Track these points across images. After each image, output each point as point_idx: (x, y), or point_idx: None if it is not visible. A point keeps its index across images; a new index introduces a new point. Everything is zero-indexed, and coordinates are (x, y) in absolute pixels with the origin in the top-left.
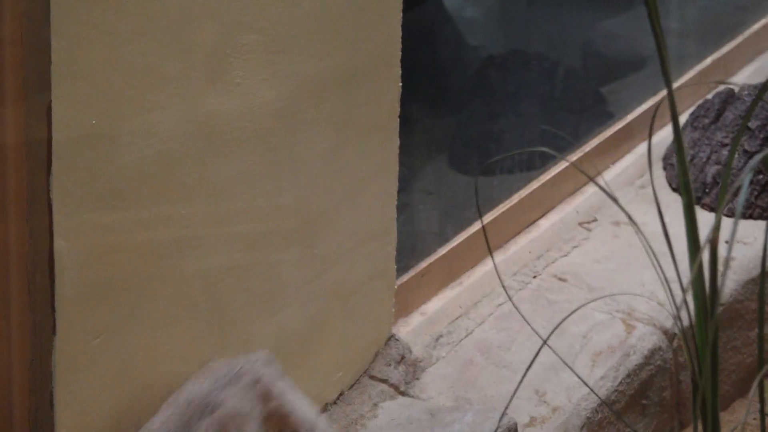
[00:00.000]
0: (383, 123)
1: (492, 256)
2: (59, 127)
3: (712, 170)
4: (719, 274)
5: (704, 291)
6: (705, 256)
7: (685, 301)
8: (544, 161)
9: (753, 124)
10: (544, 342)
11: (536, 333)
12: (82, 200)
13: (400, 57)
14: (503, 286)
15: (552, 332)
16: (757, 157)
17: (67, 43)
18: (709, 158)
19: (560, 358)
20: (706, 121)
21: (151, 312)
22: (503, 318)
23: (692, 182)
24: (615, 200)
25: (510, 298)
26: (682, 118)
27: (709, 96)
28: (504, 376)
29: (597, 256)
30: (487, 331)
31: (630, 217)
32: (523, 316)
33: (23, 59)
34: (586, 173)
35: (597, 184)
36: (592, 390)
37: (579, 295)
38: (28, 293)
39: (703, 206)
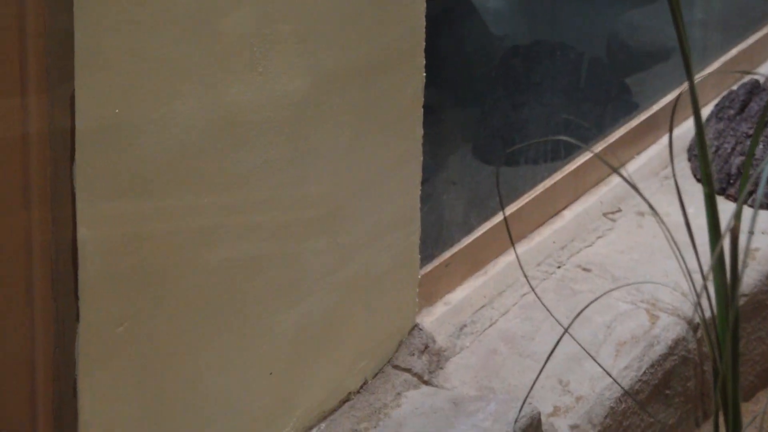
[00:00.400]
0: (407, 113)
1: (514, 247)
2: (82, 117)
3: (736, 161)
4: (740, 261)
5: (725, 279)
6: (726, 245)
7: (705, 289)
8: (569, 151)
9: None
10: (566, 330)
11: (558, 322)
12: (105, 189)
13: (424, 47)
14: (525, 277)
15: (573, 321)
16: None
17: (89, 33)
18: (733, 149)
19: (582, 348)
20: (731, 112)
21: (174, 301)
22: (527, 308)
23: (717, 173)
24: (637, 190)
25: (533, 289)
26: (708, 109)
27: (735, 87)
28: (527, 365)
29: (621, 246)
30: (510, 321)
31: (652, 207)
32: (545, 306)
33: (46, 49)
34: (609, 164)
35: (620, 175)
36: (614, 380)
37: (603, 285)
38: (51, 281)
39: (728, 197)
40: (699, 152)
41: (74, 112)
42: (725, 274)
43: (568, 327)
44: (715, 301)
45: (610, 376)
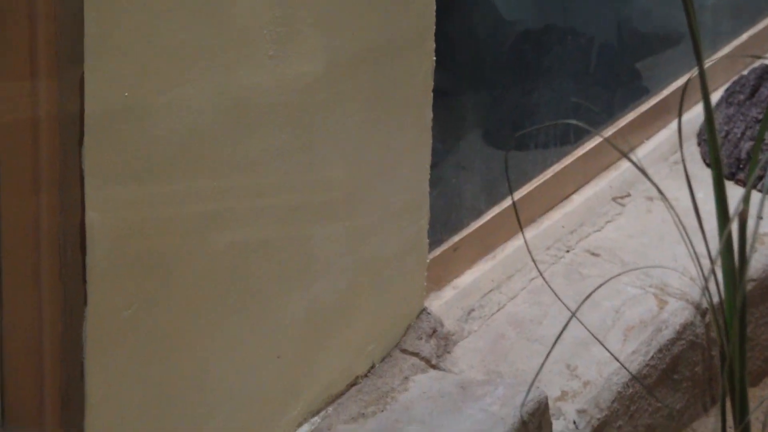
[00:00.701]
0: (417, 97)
1: (522, 232)
2: (92, 101)
3: (746, 146)
4: (748, 246)
5: (733, 264)
6: (734, 229)
7: (713, 273)
8: (578, 136)
9: None
10: (573, 314)
11: (566, 306)
12: (114, 173)
13: (434, 31)
14: (534, 261)
15: (581, 305)
16: None
17: (100, 17)
18: (743, 134)
19: (589, 332)
20: (741, 96)
21: (182, 285)
22: (536, 292)
23: (726, 158)
24: (646, 174)
25: (540, 273)
26: (718, 94)
27: (745, 72)
28: (535, 350)
29: (630, 231)
30: (519, 305)
31: (661, 192)
32: (553, 291)
33: (56, 32)
34: (619, 149)
35: (630, 160)
36: (622, 364)
37: (612, 269)
38: (59, 265)
39: (737, 182)
40: (708, 137)
41: (83, 96)
42: (733, 259)
43: (576, 311)
44: (723, 285)
45: (618, 360)
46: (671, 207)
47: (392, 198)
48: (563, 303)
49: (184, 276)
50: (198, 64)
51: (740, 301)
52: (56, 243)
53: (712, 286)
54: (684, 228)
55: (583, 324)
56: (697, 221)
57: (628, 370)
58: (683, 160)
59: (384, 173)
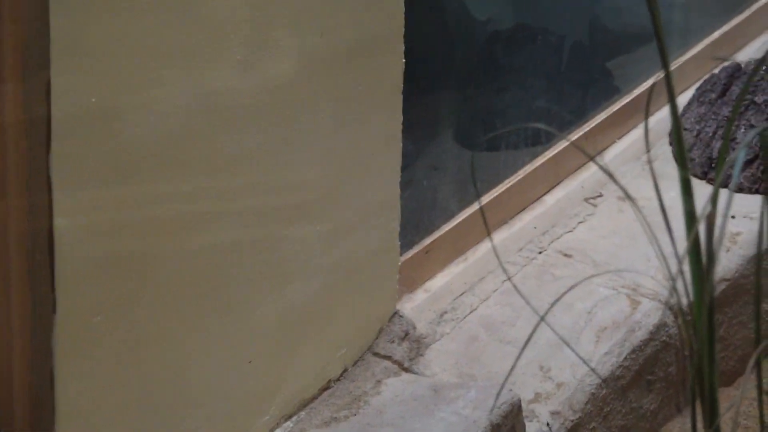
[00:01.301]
0: (387, 98)
1: (491, 237)
2: (59, 105)
3: (718, 145)
4: (715, 245)
5: (701, 263)
6: (702, 229)
7: (681, 273)
8: (550, 137)
9: (759, 98)
10: (542, 318)
11: (534, 310)
12: (83, 177)
13: (403, 32)
14: (502, 266)
15: (550, 309)
16: (755, 131)
17: (66, 20)
18: (715, 133)
19: (559, 336)
20: (713, 95)
21: (154, 289)
22: (508, 294)
23: (698, 157)
24: (613, 178)
25: (509, 277)
26: (689, 93)
27: (716, 70)
28: (508, 352)
29: (602, 231)
30: (491, 308)
31: (627, 194)
32: (522, 295)
33: (22, 37)
34: (586, 152)
35: (596, 163)
36: (592, 369)
37: (584, 270)
38: (27, 271)
39: (710, 181)
40: (675, 137)
41: (50, 100)
42: (701, 259)
43: (545, 314)
44: (691, 284)
45: (587, 364)
46: (638, 208)
47: (363, 199)
48: (532, 307)
49: (156, 280)
50: (167, 65)
51: (708, 301)
52: (24, 249)
53: (681, 286)
54: (651, 229)
55: (552, 329)
56: (664, 222)
57: (597, 374)
58: (650, 161)
59: (355, 175)
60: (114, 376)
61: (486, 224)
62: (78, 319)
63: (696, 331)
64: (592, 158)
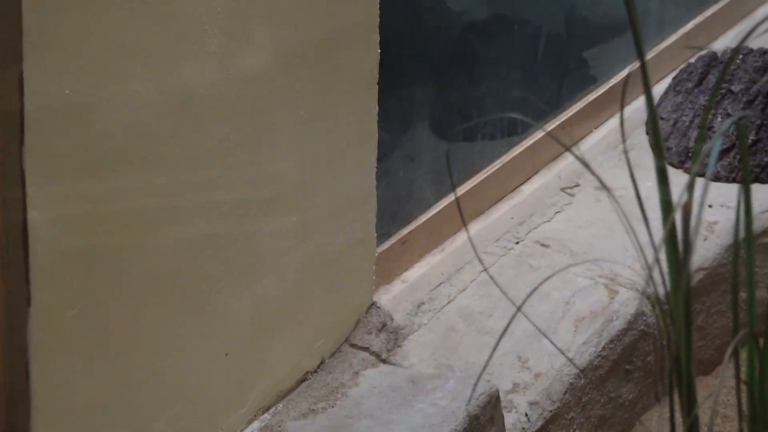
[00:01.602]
0: (362, 90)
1: (466, 228)
2: (32, 98)
3: (694, 134)
4: (691, 230)
5: (677, 252)
6: (678, 218)
7: (657, 262)
8: (526, 127)
9: (736, 87)
10: (518, 309)
11: (511, 301)
12: (56, 171)
13: (378, 23)
14: (478, 257)
15: (526, 299)
16: (731, 120)
17: (38, 14)
18: (692, 122)
19: (535, 326)
20: (689, 84)
21: (128, 283)
22: (485, 284)
23: (675, 146)
24: (589, 168)
25: (485, 268)
26: (666, 82)
27: (692, 59)
28: (486, 342)
29: (580, 221)
30: (469, 298)
31: (603, 184)
32: (498, 286)
33: None
34: (562, 142)
35: (573, 153)
36: (569, 359)
37: (561, 260)
38: (1, 264)
39: (686, 170)
40: (650, 126)
41: (23, 94)
42: (677, 248)
43: (521, 305)
44: (668, 274)
45: (564, 355)
46: (614, 198)
47: (339, 191)
48: (509, 298)
49: (130, 274)
50: (141, 58)
51: (685, 290)
52: None
53: (657, 275)
54: (627, 219)
55: (529, 319)
56: (641, 212)
57: (574, 365)
58: (626, 151)
59: (330, 166)
60: (90, 370)
61: (461, 215)
62: (53, 312)
63: (673, 320)
64: (568, 148)
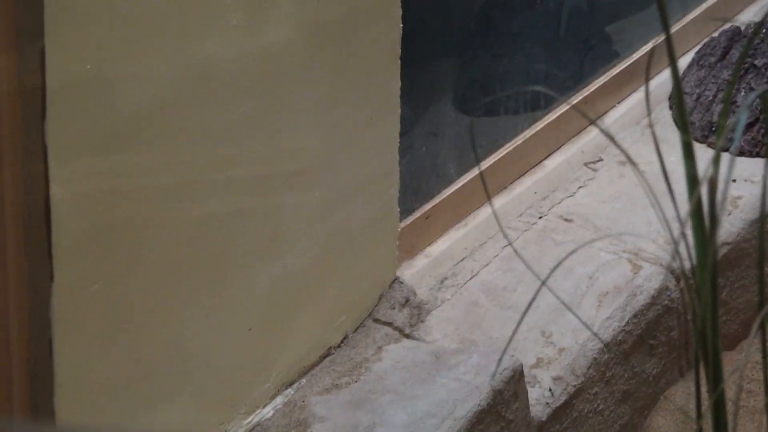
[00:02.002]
0: (384, 65)
1: (491, 202)
2: (53, 74)
3: (718, 108)
4: (718, 208)
5: (703, 225)
6: (704, 191)
7: (684, 237)
8: (549, 102)
9: (759, 62)
10: (543, 283)
11: (535, 275)
12: (78, 146)
13: None
14: (502, 231)
15: (551, 273)
16: (755, 94)
17: None
18: (715, 96)
19: (561, 301)
20: (713, 59)
21: (151, 258)
22: (509, 259)
23: (698, 121)
24: (614, 141)
25: (510, 243)
26: (689, 56)
27: (716, 34)
28: (509, 317)
29: (603, 196)
30: (492, 273)
31: (629, 157)
32: (523, 260)
33: (15, 5)
34: (587, 115)
35: (598, 126)
36: (594, 333)
37: (585, 235)
38: (24, 241)
39: (710, 145)
40: (675, 99)
41: (45, 69)
42: (703, 221)
43: (546, 279)
44: (694, 248)
45: (590, 329)
46: (639, 172)
47: (361, 166)
48: (533, 272)
49: (153, 249)
50: (162, 33)
51: (711, 264)
52: (20, 219)
53: (683, 250)
54: (654, 193)
55: (554, 293)
56: (666, 185)
57: (599, 338)
58: (651, 124)
59: (352, 142)
60: (112, 345)
61: (486, 189)
62: (75, 288)
63: (699, 294)
64: (593, 122)
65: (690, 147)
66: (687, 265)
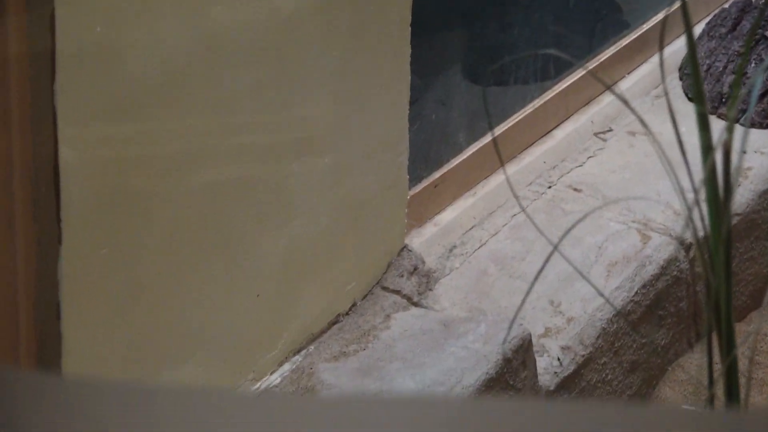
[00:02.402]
0: (394, 32)
1: (504, 168)
2: (63, 37)
3: (728, 80)
4: (731, 170)
5: (717, 193)
6: (718, 160)
7: (697, 204)
8: (559, 71)
9: None
10: (555, 248)
11: (548, 239)
12: (87, 110)
13: None
14: (516, 198)
15: (562, 238)
16: (765, 64)
17: None
18: (725, 68)
19: (572, 265)
20: (723, 30)
21: (160, 224)
22: (518, 228)
23: (708, 92)
24: (630, 106)
25: (523, 208)
26: (699, 27)
27: (726, 5)
28: (518, 286)
29: (612, 166)
30: (501, 242)
31: (644, 123)
32: (535, 225)
33: None
34: (602, 81)
35: (613, 92)
36: (606, 299)
37: (594, 205)
38: (32, 203)
39: (720, 116)
40: (691, 69)
41: (55, 32)
42: (717, 189)
43: (558, 244)
44: (707, 216)
45: (602, 294)
46: (656, 140)
47: (371, 134)
48: (545, 237)
49: (162, 214)
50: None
51: (725, 232)
52: (29, 181)
53: (696, 219)
54: (669, 160)
55: (564, 257)
56: (681, 153)
57: (611, 305)
58: (666, 93)
59: (362, 109)
60: (120, 310)
61: (499, 155)
62: (84, 252)
63: (713, 264)
64: (608, 87)
65: (705, 118)
66: (701, 234)
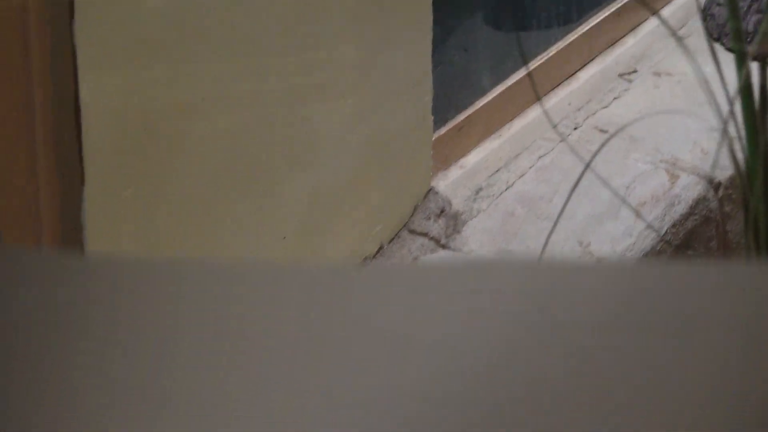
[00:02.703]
0: None
1: (541, 102)
2: None
3: (753, 19)
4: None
5: (753, 110)
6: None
7: (732, 113)
8: (581, 14)
9: None
10: (587, 166)
11: (578, 157)
12: (108, 49)
13: None
14: (555, 130)
15: (594, 156)
16: None
17: None
18: (750, 7)
19: (615, 193)
20: None
21: (183, 166)
22: (544, 170)
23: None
24: (667, 25)
25: (563, 138)
26: None
27: None
28: (545, 227)
29: (638, 107)
30: (527, 184)
31: (683, 46)
32: (576, 153)
33: None
34: (648, 6)
35: (659, 18)
36: (651, 226)
37: (621, 146)
38: (54, 143)
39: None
40: (729, 6)
41: None
42: (753, 106)
43: (590, 162)
44: (744, 131)
45: (651, 226)
46: (700, 68)
47: (394, 74)
48: (576, 154)
49: (186, 157)
50: None
51: (763, 146)
52: (50, 120)
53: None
54: (710, 89)
55: (596, 173)
56: (707, 92)
57: (654, 230)
58: (705, 26)
59: (385, 48)
60: (145, 252)
61: (534, 88)
62: (107, 193)
63: (750, 183)
64: (655, 12)
65: (744, 56)
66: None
